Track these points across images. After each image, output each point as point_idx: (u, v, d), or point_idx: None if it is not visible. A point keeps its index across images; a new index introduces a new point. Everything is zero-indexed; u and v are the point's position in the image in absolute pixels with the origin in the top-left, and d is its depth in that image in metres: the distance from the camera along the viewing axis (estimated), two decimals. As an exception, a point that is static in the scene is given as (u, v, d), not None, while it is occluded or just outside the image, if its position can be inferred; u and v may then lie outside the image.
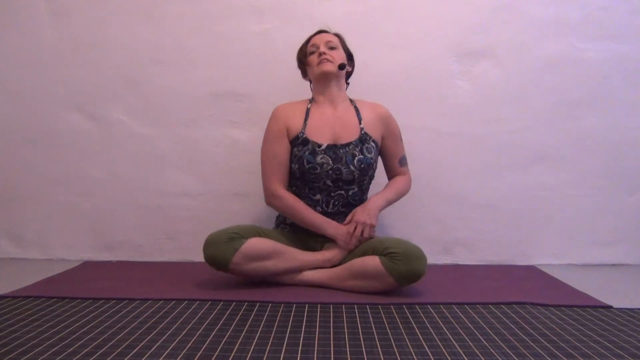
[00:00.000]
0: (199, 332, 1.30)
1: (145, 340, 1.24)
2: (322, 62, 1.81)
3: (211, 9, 2.14)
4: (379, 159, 1.94)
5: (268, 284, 1.74)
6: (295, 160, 1.82)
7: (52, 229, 2.21)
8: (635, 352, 1.21)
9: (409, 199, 1.96)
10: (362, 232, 1.75)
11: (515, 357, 1.17)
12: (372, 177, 1.89)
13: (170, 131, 2.18)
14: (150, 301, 1.57)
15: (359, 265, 1.67)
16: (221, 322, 1.38)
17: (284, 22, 2.14)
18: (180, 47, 2.15)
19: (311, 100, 1.91)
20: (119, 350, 1.18)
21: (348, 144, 1.82)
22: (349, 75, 1.96)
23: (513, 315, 1.47)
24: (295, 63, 1.97)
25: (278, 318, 1.42)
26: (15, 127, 2.19)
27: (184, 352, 1.17)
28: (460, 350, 1.20)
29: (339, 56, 1.85)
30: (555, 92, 2.16)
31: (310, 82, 1.95)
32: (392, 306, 1.54)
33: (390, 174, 1.96)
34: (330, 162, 1.79)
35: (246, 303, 1.55)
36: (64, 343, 1.22)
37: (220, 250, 1.65)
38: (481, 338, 1.28)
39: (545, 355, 1.18)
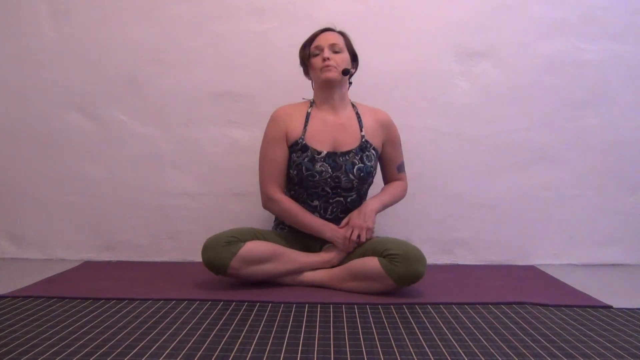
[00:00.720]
0: (199, 332, 1.30)
1: (145, 340, 1.24)
2: (325, 69, 1.77)
3: (211, 9, 2.14)
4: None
5: (268, 284, 1.74)
6: (293, 166, 1.79)
7: (52, 229, 2.21)
8: (635, 352, 1.21)
9: (409, 198, 1.96)
10: (359, 235, 1.74)
11: (515, 357, 1.17)
12: (371, 184, 1.88)
13: (170, 131, 2.18)
14: (150, 301, 1.57)
15: (359, 266, 1.67)
16: (221, 322, 1.38)
17: (284, 22, 2.14)
18: (180, 47, 2.15)
19: (312, 103, 1.88)
20: (119, 350, 1.18)
21: (348, 152, 1.79)
22: (352, 74, 1.93)
23: (513, 315, 1.47)
24: (295, 62, 1.93)
25: (278, 318, 1.42)
26: (15, 127, 2.19)
27: (184, 352, 1.17)
28: (460, 350, 1.20)
29: (343, 61, 1.79)
30: (555, 92, 2.16)
31: (312, 81, 1.90)
32: (392, 306, 1.54)
33: (387, 179, 1.95)
34: (330, 170, 1.76)
35: (246, 303, 1.55)
36: (64, 343, 1.22)
37: (218, 254, 1.64)
38: (481, 338, 1.29)
39: (545, 355, 1.18)
